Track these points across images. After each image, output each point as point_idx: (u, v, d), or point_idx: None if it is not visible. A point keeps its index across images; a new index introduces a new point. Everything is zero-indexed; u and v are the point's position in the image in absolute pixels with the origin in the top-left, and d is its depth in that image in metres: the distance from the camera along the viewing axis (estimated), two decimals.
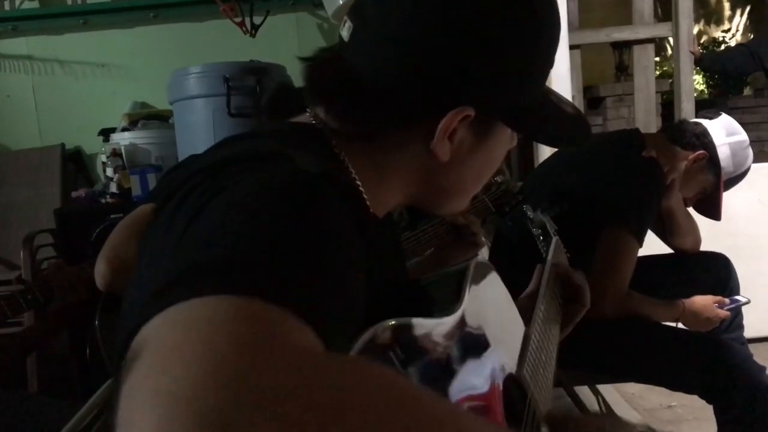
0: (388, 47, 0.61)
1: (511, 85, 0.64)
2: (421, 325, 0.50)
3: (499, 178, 1.54)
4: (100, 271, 1.16)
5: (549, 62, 0.68)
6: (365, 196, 0.64)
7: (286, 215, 0.43)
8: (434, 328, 0.51)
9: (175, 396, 0.26)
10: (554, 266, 1.01)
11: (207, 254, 0.39)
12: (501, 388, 0.63)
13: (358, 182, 0.63)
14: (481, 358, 0.60)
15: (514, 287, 0.81)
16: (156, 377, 0.28)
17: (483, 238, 1.38)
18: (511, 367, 0.69)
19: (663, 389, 1.61)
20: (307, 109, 0.66)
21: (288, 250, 0.40)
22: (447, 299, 0.59)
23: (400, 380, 0.31)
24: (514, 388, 0.68)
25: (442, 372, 0.51)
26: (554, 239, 1.16)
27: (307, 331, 0.33)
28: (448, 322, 0.54)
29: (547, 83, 0.71)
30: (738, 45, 4.72)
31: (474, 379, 0.56)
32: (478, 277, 0.65)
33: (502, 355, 0.66)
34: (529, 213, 1.26)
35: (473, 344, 0.59)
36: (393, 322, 0.45)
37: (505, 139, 0.71)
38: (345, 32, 0.64)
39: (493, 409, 0.60)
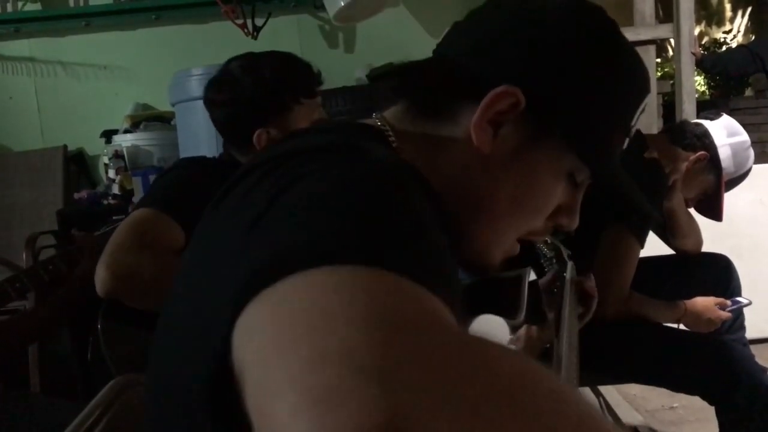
0: (463, 37, 0.64)
1: (573, 96, 0.61)
2: (496, 322, 0.50)
3: None
4: (101, 277, 1.15)
5: (624, 107, 0.65)
6: None
7: (391, 195, 0.42)
8: (502, 327, 0.52)
9: (344, 360, 0.25)
10: (575, 282, 1.01)
11: (322, 229, 0.37)
12: None
13: None
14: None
15: None
16: (314, 341, 0.27)
17: None
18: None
19: (664, 390, 1.61)
20: (374, 114, 0.66)
21: (404, 228, 0.39)
22: (507, 303, 0.59)
23: (530, 362, 0.30)
24: None
25: None
26: (570, 264, 1.16)
27: (449, 313, 0.32)
28: (513, 325, 0.55)
29: None
30: (739, 46, 4.72)
31: None
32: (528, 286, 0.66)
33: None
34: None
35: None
36: (486, 318, 0.45)
37: (554, 172, 0.63)
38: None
39: None
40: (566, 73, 0.60)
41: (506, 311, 0.58)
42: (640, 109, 0.66)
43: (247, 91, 1.35)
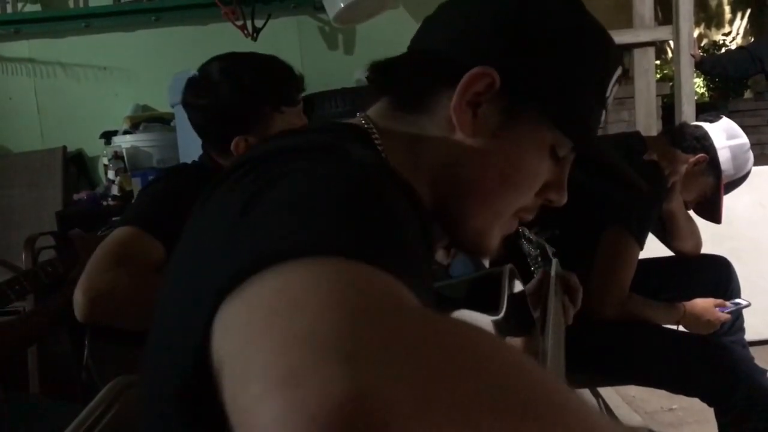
0: (437, 25, 0.67)
1: (547, 71, 0.63)
2: (474, 318, 0.50)
3: None
4: (78, 302, 1.14)
5: (597, 79, 0.66)
6: None
7: (368, 194, 0.43)
8: (484, 323, 0.52)
9: (311, 343, 0.26)
10: (559, 278, 1.02)
11: (297, 225, 0.38)
12: None
13: None
14: None
15: None
16: (285, 326, 0.28)
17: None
18: None
19: (664, 392, 1.62)
20: (358, 113, 0.67)
21: (380, 224, 0.40)
22: (485, 301, 0.60)
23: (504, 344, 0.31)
24: None
25: None
26: (554, 261, 1.17)
27: (414, 299, 0.33)
28: (493, 320, 0.55)
29: None
30: (738, 48, 4.70)
31: None
32: (510, 283, 0.66)
33: None
34: (527, 234, 1.27)
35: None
36: (461, 313, 0.46)
37: (538, 144, 0.64)
38: None
39: None
40: (536, 50, 0.62)
41: (487, 307, 0.58)
42: (613, 80, 0.68)
43: (225, 99, 1.32)
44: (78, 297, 1.14)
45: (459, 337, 0.28)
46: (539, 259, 1.24)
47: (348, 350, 0.26)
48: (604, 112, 0.69)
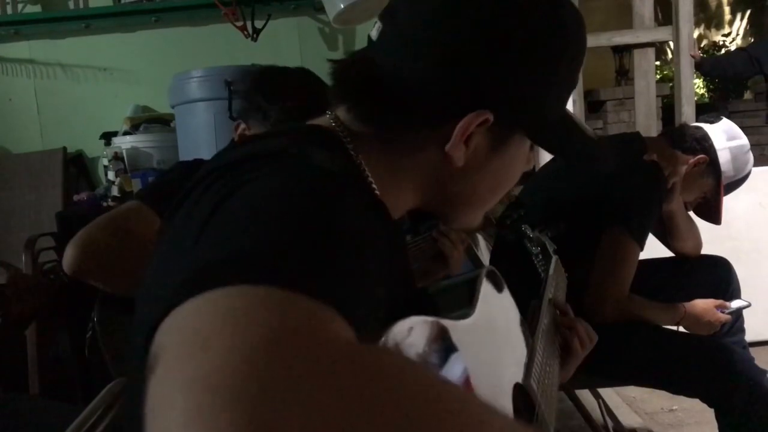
0: (414, 47, 0.61)
1: (533, 95, 0.64)
2: (437, 325, 0.50)
3: None
4: (68, 254, 1.18)
5: (573, 79, 0.67)
6: (378, 194, 0.63)
7: (313, 210, 0.43)
8: (449, 329, 0.52)
9: (209, 385, 0.26)
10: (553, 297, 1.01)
11: (235, 246, 0.39)
12: (510, 395, 0.63)
13: (374, 185, 0.63)
14: (489, 364, 0.60)
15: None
16: (189, 366, 0.28)
17: (459, 253, 1.37)
18: (517, 375, 0.69)
19: (664, 393, 1.61)
20: (327, 112, 0.66)
21: (317, 243, 0.40)
22: (459, 305, 0.60)
23: (430, 371, 0.32)
24: (520, 396, 0.69)
25: (453, 374, 0.51)
26: (554, 258, 1.17)
27: (341, 322, 0.33)
28: (461, 325, 0.55)
29: None
30: (737, 49, 4.69)
31: (481, 384, 0.56)
32: (489, 286, 0.66)
33: (509, 363, 0.66)
34: (529, 232, 1.27)
35: (483, 349, 0.59)
36: (412, 321, 0.45)
37: (523, 154, 0.69)
38: (374, 33, 0.65)
39: None
40: (525, 76, 0.62)
41: (458, 312, 0.58)
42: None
43: (269, 113, 1.34)
44: (69, 249, 1.18)
45: (369, 376, 0.28)
46: (540, 257, 1.24)
47: (248, 393, 0.26)
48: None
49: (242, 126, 1.39)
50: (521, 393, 0.69)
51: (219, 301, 0.32)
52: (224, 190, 0.46)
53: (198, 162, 1.54)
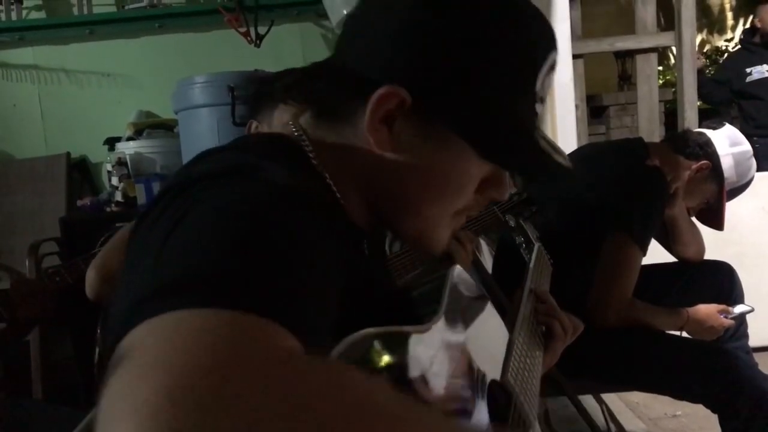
0: (354, 38, 0.65)
1: (460, 90, 0.61)
2: (398, 333, 0.50)
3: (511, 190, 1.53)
4: (89, 279, 1.19)
5: (522, 82, 0.63)
6: (343, 203, 0.64)
7: (259, 227, 0.43)
8: (411, 335, 0.52)
9: (152, 407, 0.27)
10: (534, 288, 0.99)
11: (185, 269, 0.40)
12: (482, 394, 0.63)
13: (337, 193, 0.63)
14: (459, 365, 0.60)
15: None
16: (135, 387, 0.29)
17: (467, 252, 1.36)
18: (494, 373, 0.69)
19: (667, 398, 1.61)
20: (290, 122, 0.67)
21: (264, 261, 0.41)
22: (429, 307, 0.60)
23: (375, 383, 0.32)
24: (499, 393, 0.69)
25: (418, 379, 0.51)
26: (536, 246, 1.15)
27: (289, 337, 0.34)
28: (425, 329, 0.55)
29: (550, 93, 0.68)
30: (706, 78, 4.41)
31: (450, 385, 0.56)
32: (458, 285, 0.66)
33: (483, 361, 0.66)
34: (511, 222, 1.26)
35: (450, 352, 0.59)
36: (368, 331, 0.45)
37: (460, 154, 0.62)
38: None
39: (473, 415, 0.60)
40: (448, 62, 0.60)
41: (423, 315, 0.58)
42: (544, 71, 0.64)
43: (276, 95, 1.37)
44: (90, 274, 1.19)
45: (296, 387, 0.29)
46: (524, 245, 1.23)
47: (170, 426, 0.26)
48: (539, 105, 0.66)
49: (255, 124, 1.40)
50: (498, 387, 0.69)
51: (168, 325, 0.33)
52: (178, 213, 0.47)
53: None
